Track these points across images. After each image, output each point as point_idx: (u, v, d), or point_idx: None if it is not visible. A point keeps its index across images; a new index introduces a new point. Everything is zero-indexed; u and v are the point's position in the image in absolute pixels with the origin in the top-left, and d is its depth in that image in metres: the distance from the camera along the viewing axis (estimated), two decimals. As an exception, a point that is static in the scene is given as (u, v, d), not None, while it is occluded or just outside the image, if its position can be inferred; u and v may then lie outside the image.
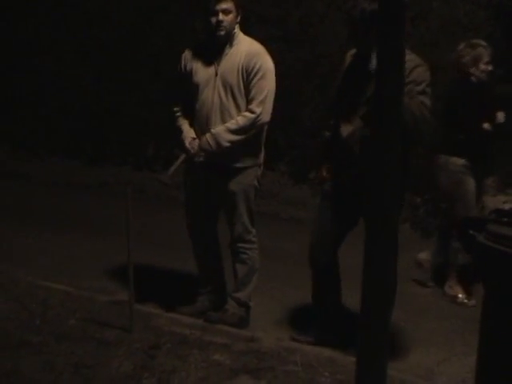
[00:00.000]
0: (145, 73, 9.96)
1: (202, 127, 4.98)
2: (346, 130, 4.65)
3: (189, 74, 5.03)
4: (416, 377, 4.55)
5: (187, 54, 5.10)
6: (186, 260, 6.00)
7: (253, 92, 4.86)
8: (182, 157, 5.04)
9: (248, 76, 4.86)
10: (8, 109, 10.87)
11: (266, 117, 4.90)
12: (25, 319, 4.78)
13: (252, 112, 4.85)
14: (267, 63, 4.91)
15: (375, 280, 3.02)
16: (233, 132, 4.86)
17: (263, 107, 4.85)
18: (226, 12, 4.83)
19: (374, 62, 4.28)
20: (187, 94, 5.05)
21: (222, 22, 4.82)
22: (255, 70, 4.85)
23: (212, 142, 4.87)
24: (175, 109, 5.13)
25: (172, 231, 7.52)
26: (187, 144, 4.97)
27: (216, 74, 4.91)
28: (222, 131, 4.87)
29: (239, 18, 4.95)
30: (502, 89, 7.94)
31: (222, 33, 4.86)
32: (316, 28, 8.84)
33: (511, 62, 8.67)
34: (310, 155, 8.90)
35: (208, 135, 4.89)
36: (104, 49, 10.38)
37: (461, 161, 5.89)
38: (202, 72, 4.97)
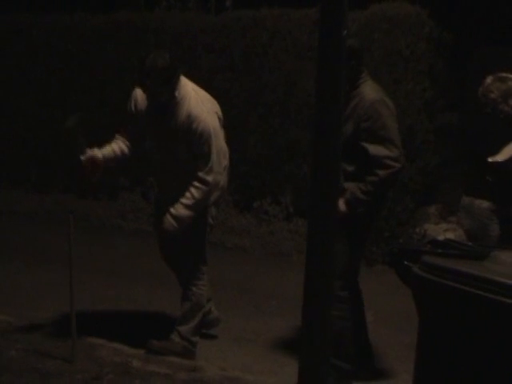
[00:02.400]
0: (90, 100, 9.93)
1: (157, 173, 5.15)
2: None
3: (138, 116, 4.96)
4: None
5: (137, 94, 4.96)
6: (129, 288, 6.00)
7: (199, 157, 4.80)
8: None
9: (190, 139, 4.78)
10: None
11: (219, 178, 4.90)
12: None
13: (204, 183, 4.79)
14: (207, 125, 4.78)
15: (315, 317, 3.11)
16: (191, 207, 4.84)
17: (213, 174, 4.81)
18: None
19: None
20: (135, 132, 5.04)
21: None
22: (197, 135, 4.75)
23: (175, 223, 4.85)
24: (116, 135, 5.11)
25: (116, 259, 7.51)
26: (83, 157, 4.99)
27: (161, 126, 4.86)
28: (181, 210, 4.84)
29: (179, 81, 4.76)
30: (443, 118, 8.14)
31: (160, 101, 4.80)
32: (260, 58, 8.94)
33: (452, 93, 8.90)
34: (255, 184, 8.96)
35: (168, 217, 4.86)
36: (49, 76, 10.35)
37: (486, 204, 5.49)
38: (148, 118, 4.92)
